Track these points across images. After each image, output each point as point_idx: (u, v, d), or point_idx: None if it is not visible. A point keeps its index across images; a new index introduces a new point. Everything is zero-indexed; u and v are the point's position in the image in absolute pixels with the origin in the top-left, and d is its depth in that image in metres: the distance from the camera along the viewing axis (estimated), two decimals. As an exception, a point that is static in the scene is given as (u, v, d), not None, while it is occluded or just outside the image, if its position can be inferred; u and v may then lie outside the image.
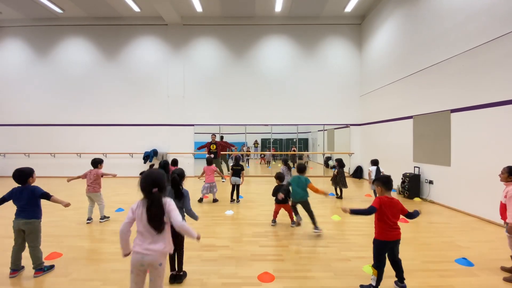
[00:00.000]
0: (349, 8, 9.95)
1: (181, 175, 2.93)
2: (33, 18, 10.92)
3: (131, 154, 10.84)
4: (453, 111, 5.93)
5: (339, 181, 6.79)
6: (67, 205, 3.16)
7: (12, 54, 11.13)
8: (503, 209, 2.96)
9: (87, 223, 4.78)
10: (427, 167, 6.79)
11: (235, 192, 6.40)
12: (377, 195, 2.74)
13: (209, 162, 6.51)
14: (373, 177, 6.38)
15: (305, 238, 4.13)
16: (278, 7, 9.86)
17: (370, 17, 10.07)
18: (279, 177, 4.91)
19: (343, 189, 6.89)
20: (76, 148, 10.89)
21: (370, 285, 2.67)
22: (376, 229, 2.65)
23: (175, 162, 6.25)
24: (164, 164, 4.59)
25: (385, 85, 8.93)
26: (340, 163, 6.89)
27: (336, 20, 10.84)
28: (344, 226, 4.77)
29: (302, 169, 4.50)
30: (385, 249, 2.63)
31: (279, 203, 4.65)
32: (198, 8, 9.86)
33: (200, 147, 9.73)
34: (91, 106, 11.02)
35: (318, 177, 10.46)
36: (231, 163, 10.04)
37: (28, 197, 2.97)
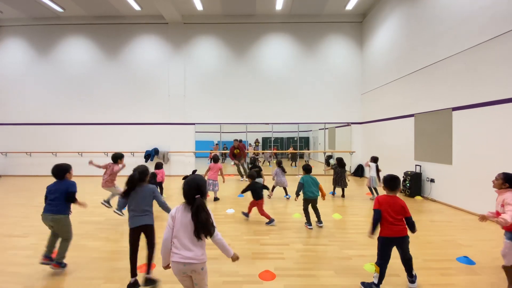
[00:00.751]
0: (350, 6, 9.91)
1: (143, 173, 2.80)
2: (34, 17, 10.93)
3: (132, 153, 10.86)
4: (455, 109, 5.90)
5: (339, 180, 6.77)
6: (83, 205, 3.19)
7: (13, 53, 11.14)
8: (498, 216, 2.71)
9: (101, 202, 5.20)
10: (429, 166, 6.78)
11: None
12: (373, 193, 2.76)
13: (216, 160, 6.51)
14: (372, 174, 6.41)
15: (306, 237, 4.14)
16: (279, 5, 9.82)
17: (371, 15, 10.02)
18: (252, 175, 4.97)
19: (345, 188, 6.84)
20: (78, 147, 10.92)
21: (372, 283, 2.66)
22: (380, 227, 2.67)
23: (159, 165, 6.41)
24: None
25: (386, 83, 8.90)
26: (340, 163, 6.82)
27: (337, 18, 10.79)
28: (345, 224, 4.77)
29: (309, 169, 4.72)
30: (390, 245, 2.63)
31: (258, 199, 4.76)
32: (199, 6, 9.84)
33: (230, 154, 9.67)
34: (92, 105, 11.04)
35: (319, 176, 10.46)
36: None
37: (60, 191, 3.00)
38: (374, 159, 6.60)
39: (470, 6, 5.50)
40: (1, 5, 9.89)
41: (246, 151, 10.24)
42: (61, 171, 3.08)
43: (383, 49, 9.14)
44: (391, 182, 2.70)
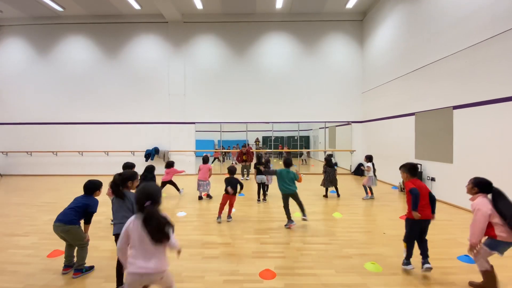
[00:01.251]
0: (350, 4, 9.87)
1: (127, 176, 2.72)
2: (34, 17, 10.92)
3: (132, 152, 10.86)
4: (455, 107, 5.89)
5: (331, 180, 6.45)
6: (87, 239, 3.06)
7: (13, 53, 11.14)
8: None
9: None
10: (429, 164, 6.76)
11: (261, 191, 6.37)
12: (404, 181, 3.04)
13: (205, 160, 6.54)
14: (370, 173, 6.34)
15: (306, 235, 4.14)
16: (279, 3, 9.79)
17: (372, 14, 9.98)
18: (230, 170, 5.00)
19: (338, 187, 6.66)
20: (78, 146, 10.92)
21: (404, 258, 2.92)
22: (408, 209, 2.87)
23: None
24: (150, 168, 4.56)
25: (387, 81, 8.88)
26: (329, 163, 6.59)
27: (337, 17, 10.76)
28: (345, 223, 4.76)
29: (289, 163, 4.62)
30: (418, 227, 2.84)
31: (229, 194, 4.74)
32: (199, 5, 9.81)
33: (238, 157, 9.72)
34: (93, 104, 11.04)
35: (320, 175, 10.45)
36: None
37: (80, 204, 2.96)
38: (370, 158, 6.51)
39: (471, 4, 5.47)
40: (1, 4, 9.88)
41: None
42: (93, 188, 3.05)
43: (384, 47, 9.11)
44: (415, 168, 3.00)
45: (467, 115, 5.58)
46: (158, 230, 1.80)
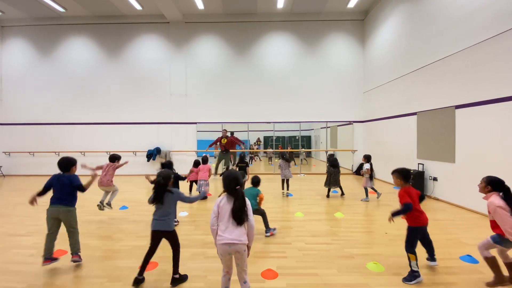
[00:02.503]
0: (351, 3, 9.85)
1: (167, 177, 2.80)
2: (36, 17, 10.96)
3: (134, 152, 10.89)
4: (457, 107, 5.86)
5: (333, 181, 6.44)
6: (94, 175, 3.39)
7: (15, 54, 11.19)
8: (493, 224, 2.61)
9: (97, 205, 5.05)
10: (431, 164, 6.74)
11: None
12: (399, 188, 2.96)
13: (205, 160, 6.58)
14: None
15: (308, 235, 4.13)
16: (280, 3, 9.79)
17: (373, 13, 9.96)
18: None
19: (342, 187, 6.67)
20: (80, 146, 10.96)
21: (412, 271, 2.75)
22: (408, 217, 2.84)
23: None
24: (168, 164, 4.60)
25: (388, 81, 8.86)
26: (333, 163, 6.55)
27: (338, 16, 10.74)
28: (347, 223, 4.75)
29: (257, 182, 4.28)
30: (419, 234, 2.85)
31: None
32: (200, 5, 9.83)
33: (211, 144, 9.73)
34: (94, 104, 11.07)
35: (322, 175, 10.45)
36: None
37: (65, 184, 3.07)
38: (368, 158, 6.41)
39: (473, 3, 5.45)
40: (3, 5, 9.93)
41: (238, 149, 10.14)
42: (68, 164, 3.19)
43: (385, 47, 9.09)
44: (408, 174, 2.93)
45: (470, 115, 5.56)
46: (241, 211, 2.21)
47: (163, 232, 2.74)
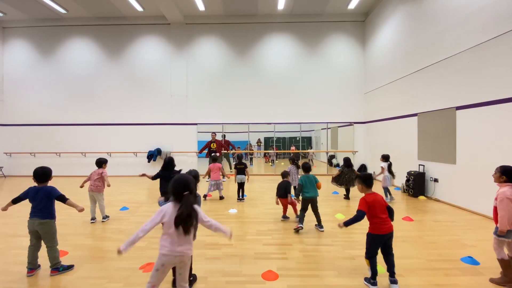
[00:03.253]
0: (352, 5, 9.87)
1: (196, 176, 2.76)
2: (37, 19, 11.01)
3: (135, 153, 10.90)
4: (458, 108, 5.86)
5: (348, 181, 6.50)
6: (81, 210, 3.14)
7: (17, 55, 11.23)
8: (496, 212, 2.74)
9: (91, 222, 4.81)
10: (432, 165, 6.73)
11: (240, 191, 6.46)
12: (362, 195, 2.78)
13: (215, 159, 6.55)
14: (386, 173, 6.16)
15: (309, 237, 4.13)
16: (281, 4, 9.80)
17: (374, 14, 9.98)
18: (284, 174, 5.10)
19: (351, 188, 6.66)
20: (81, 147, 10.98)
21: (369, 278, 2.71)
22: (370, 224, 2.72)
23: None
24: (169, 160, 4.57)
25: (389, 82, 8.86)
26: (347, 163, 6.63)
27: (339, 17, 10.76)
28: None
29: (308, 168, 4.62)
30: (380, 242, 2.69)
31: (282, 197, 4.81)
32: (201, 6, 9.85)
33: (201, 149, 9.74)
34: (95, 105, 11.10)
35: (322, 175, 10.44)
36: (231, 163, 10.05)
37: (43, 197, 2.97)
38: (386, 158, 6.35)
39: (474, 4, 5.45)
40: (5, 6, 9.98)
41: (230, 150, 10.12)
42: (47, 174, 3.05)
43: (386, 48, 9.10)
44: (370, 180, 2.77)
45: (471, 116, 5.55)
46: (188, 220, 2.00)
47: None
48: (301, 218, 4.36)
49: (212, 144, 9.39)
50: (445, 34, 6.27)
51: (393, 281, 2.67)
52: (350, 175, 6.52)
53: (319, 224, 4.42)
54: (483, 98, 5.25)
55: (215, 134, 9.68)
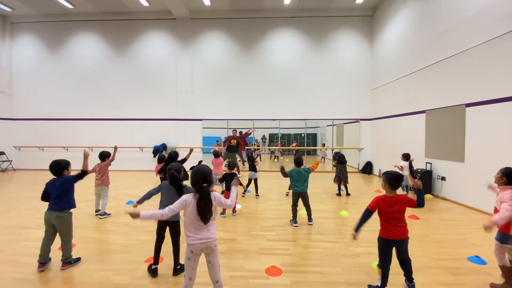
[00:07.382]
0: (360, -1, 9.69)
1: (178, 170, 2.78)
2: (45, 14, 11.09)
3: (141, 148, 10.99)
4: (468, 105, 5.74)
5: (342, 178, 6.52)
6: (87, 153, 3.36)
7: (25, 50, 11.36)
8: (496, 212, 2.69)
9: (96, 215, 4.89)
10: (440, 163, 6.63)
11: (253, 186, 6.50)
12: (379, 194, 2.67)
13: (216, 155, 6.58)
14: (405, 172, 6.03)
15: (313, 233, 4.12)
16: (287, -1, 9.69)
17: (382, 9, 9.78)
18: (230, 165, 5.47)
19: (348, 185, 6.66)
20: (88, 141, 11.11)
21: (377, 286, 2.59)
22: (380, 226, 2.57)
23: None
24: (173, 155, 4.61)
25: (397, 78, 8.71)
26: (340, 159, 6.62)
27: (346, 12, 10.58)
28: (352, 221, 4.71)
29: (301, 163, 4.58)
30: (390, 247, 2.51)
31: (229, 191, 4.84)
32: (207, 1, 9.79)
33: (223, 142, 9.68)
34: (102, 100, 11.20)
35: (327, 173, 10.39)
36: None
37: (60, 187, 2.99)
38: (407, 157, 6.26)
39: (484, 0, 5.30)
40: (13, 2, 10.07)
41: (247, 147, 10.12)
42: (60, 167, 3.07)
43: (394, 43, 8.93)
44: (397, 182, 2.47)
45: (480, 113, 5.43)
46: (206, 210, 2.08)
47: (167, 221, 2.81)
48: (293, 214, 4.52)
49: (232, 140, 9.41)
50: (455, 30, 6.12)
51: (410, 280, 2.58)
52: (343, 171, 6.51)
53: (309, 218, 4.52)
54: (493, 95, 5.12)
55: (236, 131, 9.69)
